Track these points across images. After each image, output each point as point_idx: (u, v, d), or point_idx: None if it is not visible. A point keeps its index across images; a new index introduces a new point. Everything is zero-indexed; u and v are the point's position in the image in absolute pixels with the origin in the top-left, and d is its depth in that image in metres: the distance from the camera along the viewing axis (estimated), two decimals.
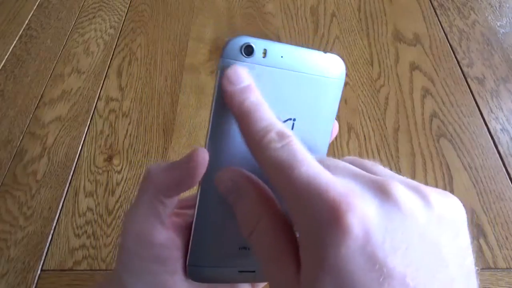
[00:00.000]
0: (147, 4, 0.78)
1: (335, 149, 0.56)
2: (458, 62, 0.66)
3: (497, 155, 0.55)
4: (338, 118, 0.66)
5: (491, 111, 0.60)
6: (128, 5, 0.78)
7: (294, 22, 0.74)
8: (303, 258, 0.15)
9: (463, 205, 0.16)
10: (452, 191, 0.52)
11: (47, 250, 0.48)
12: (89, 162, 0.56)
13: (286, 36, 0.71)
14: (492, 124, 0.58)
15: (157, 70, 0.67)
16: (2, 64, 0.69)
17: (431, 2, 0.76)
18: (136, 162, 0.55)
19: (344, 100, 0.62)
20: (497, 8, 0.75)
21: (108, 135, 0.59)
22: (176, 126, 0.59)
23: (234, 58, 0.18)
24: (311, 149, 0.17)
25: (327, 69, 0.20)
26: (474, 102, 0.61)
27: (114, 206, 0.51)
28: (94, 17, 0.77)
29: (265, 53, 0.19)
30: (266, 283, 0.25)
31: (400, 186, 0.15)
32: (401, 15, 0.74)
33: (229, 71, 0.18)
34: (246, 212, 0.18)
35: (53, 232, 0.49)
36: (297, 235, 0.17)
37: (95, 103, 0.63)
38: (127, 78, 0.66)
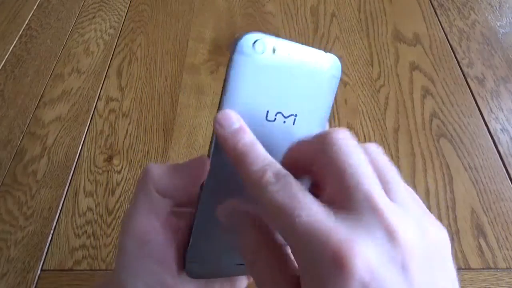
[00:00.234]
0: (147, 4, 0.78)
1: None
2: (458, 62, 0.66)
3: (497, 155, 0.55)
4: (338, 118, 0.66)
5: (491, 111, 0.60)
6: (128, 5, 0.78)
7: (294, 22, 0.74)
8: None
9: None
10: (452, 191, 0.52)
11: (47, 250, 0.48)
12: (89, 162, 0.56)
13: (286, 36, 0.71)
14: (492, 124, 0.58)
15: (157, 70, 0.67)
16: (2, 64, 0.69)
17: (431, 2, 0.76)
18: (136, 162, 0.55)
19: (344, 100, 0.62)
20: (497, 8, 0.75)
21: (108, 135, 0.59)
22: (176, 126, 0.59)
23: (246, 53, 0.19)
24: None
25: (327, 67, 0.20)
26: (474, 102, 0.61)
27: (114, 206, 0.51)
28: (94, 17, 0.77)
29: (274, 50, 0.19)
30: None
31: (408, 228, 0.15)
32: (401, 15, 0.74)
33: (219, 116, 0.19)
34: (245, 245, 0.19)
35: (53, 232, 0.49)
36: (299, 273, 0.17)
37: (95, 103, 0.63)
38: (127, 78, 0.66)
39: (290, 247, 0.16)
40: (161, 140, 0.58)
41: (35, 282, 0.46)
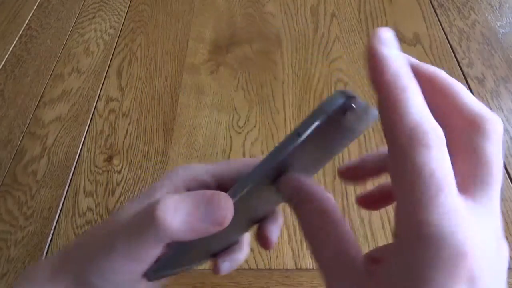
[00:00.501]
0: (147, 4, 0.78)
1: None
2: (458, 62, 0.66)
3: None
4: None
5: (491, 111, 0.60)
6: (128, 5, 0.78)
7: (294, 22, 0.74)
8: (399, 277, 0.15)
9: None
10: None
11: (47, 250, 0.48)
12: (89, 162, 0.56)
13: (286, 36, 0.71)
14: None
15: (157, 70, 0.67)
16: (2, 64, 0.69)
17: (431, 2, 0.76)
18: (136, 162, 0.55)
19: None
20: (497, 8, 0.75)
21: (108, 135, 0.59)
22: (176, 126, 0.59)
23: (335, 117, 0.17)
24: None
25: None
26: None
27: (114, 206, 0.51)
28: (94, 17, 0.77)
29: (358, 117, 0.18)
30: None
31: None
32: (401, 15, 0.74)
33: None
34: (307, 219, 0.18)
35: (53, 232, 0.49)
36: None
37: (95, 103, 0.63)
38: (127, 78, 0.66)
39: (407, 222, 0.15)
40: (161, 140, 0.58)
41: None
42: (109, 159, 0.56)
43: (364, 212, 0.49)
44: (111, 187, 0.53)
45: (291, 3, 0.77)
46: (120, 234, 0.21)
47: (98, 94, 0.64)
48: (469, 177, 0.16)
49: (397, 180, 0.15)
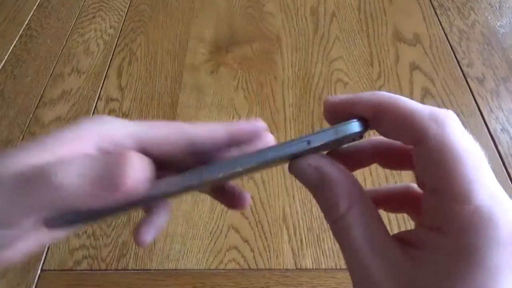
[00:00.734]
0: (147, 4, 0.78)
1: None
2: (458, 62, 0.66)
3: (497, 155, 0.55)
4: None
5: (491, 111, 0.60)
6: (128, 5, 0.78)
7: (294, 22, 0.74)
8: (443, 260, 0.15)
9: None
10: None
11: (47, 250, 0.48)
12: None
13: (286, 36, 0.71)
14: (492, 124, 0.58)
15: (157, 70, 0.67)
16: (2, 64, 0.69)
17: (431, 2, 0.76)
18: None
19: None
20: (497, 8, 0.74)
21: None
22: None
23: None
24: None
25: None
26: (474, 102, 0.61)
27: None
28: (94, 17, 0.77)
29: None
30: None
31: None
32: (401, 15, 0.74)
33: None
34: (335, 197, 0.17)
35: None
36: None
37: (95, 103, 0.63)
38: (127, 78, 0.66)
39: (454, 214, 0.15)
40: None
41: (35, 282, 0.46)
42: None
43: None
44: None
45: (291, 3, 0.77)
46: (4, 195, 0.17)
47: (98, 94, 0.64)
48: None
49: (435, 171, 0.16)
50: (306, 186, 0.19)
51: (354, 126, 0.18)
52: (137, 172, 0.16)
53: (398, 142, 0.19)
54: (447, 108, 0.62)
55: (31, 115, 0.62)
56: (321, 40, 0.70)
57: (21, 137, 0.59)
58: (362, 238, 0.16)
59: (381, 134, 0.19)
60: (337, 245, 0.17)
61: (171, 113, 0.61)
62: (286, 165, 0.19)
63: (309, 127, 0.59)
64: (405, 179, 0.51)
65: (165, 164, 0.21)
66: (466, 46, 0.68)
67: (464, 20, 0.73)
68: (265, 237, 0.48)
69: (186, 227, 0.49)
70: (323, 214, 0.18)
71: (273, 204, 0.51)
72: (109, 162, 0.17)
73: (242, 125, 0.21)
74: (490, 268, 0.14)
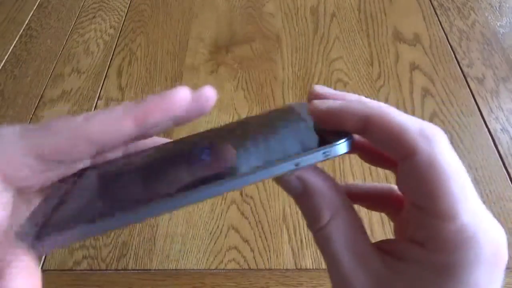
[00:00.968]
0: (147, 4, 0.78)
1: None
2: (458, 62, 0.66)
3: (497, 155, 0.55)
4: None
5: (491, 111, 0.60)
6: (128, 5, 0.78)
7: (294, 22, 0.74)
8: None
9: None
10: None
11: None
12: None
13: (286, 36, 0.71)
14: (492, 124, 0.58)
15: (157, 70, 0.67)
16: (2, 64, 0.69)
17: (431, 2, 0.76)
18: None
19: None
20: (497, 8, 0.74)
21: None
22: (176, 126, 0.59)
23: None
24: None
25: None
26: (474, 102, 0.61)
27: None
28: (94, 17, 0.77)
29: None
30: None
31: None
32: (401, 15, 0.74)
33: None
34: (318, 207, 0.17)
35: None
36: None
37: (95, 103, 0.63)
38: (127, 78, 0.66)
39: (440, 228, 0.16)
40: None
41: None
42: None
43: (365, 212, 0.49)
44: None
45: (291, 3, 0.77)
46: None
47: (98, 94, 0.64)
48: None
49: (421, 188, 0.16)
50: (289, 194, 0.19)
51: (343, 147, 0.18)
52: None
53: None
54: (447, 108, 0.62)
55: (31, 115, 0.62)
56: (321, 40, 0.70)
57: None
58: (343, 247, 0.17)
59: (368, 140, 0.18)
60: None
61: None
62: None
63: None
64: None
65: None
66: (466, 46, 0.68)
67: (464, 20, 0.73)
68: (265, 237, 0.48)
69: (186, 227, 0.49)
70: (306, 222, 0.18)
71: (273, 204, 0.51)
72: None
73: (153, 103, 0.17)
74: (472, 286, 0.15)
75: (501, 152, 0.55)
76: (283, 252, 0.47)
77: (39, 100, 0.64)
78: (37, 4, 0.80)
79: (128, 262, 0.47)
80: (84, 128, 0.17)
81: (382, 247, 0.18)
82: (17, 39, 0.73)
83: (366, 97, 0.20)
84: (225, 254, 0.47)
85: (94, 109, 0.62)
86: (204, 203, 0.51)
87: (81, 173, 0.19)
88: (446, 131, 0.58)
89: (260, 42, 0.70)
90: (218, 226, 0.49)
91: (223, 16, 0.75)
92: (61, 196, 0.18)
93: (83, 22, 0.76)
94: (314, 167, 0.18)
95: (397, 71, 0.65)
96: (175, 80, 0.65)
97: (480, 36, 0.70)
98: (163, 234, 0.49)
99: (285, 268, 0.46)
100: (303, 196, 0.18)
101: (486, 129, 0.58)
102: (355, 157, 0.51)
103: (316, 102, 0.19)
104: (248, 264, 0.46)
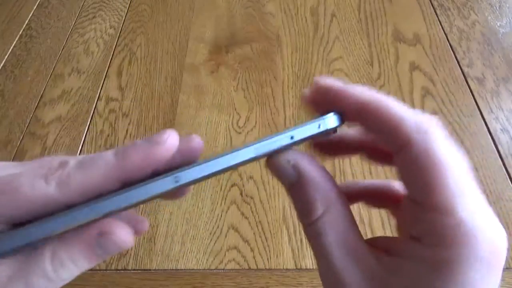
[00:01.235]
0: (147, 4, 0.78)
1: None
2: (458, 62, 0.66)
3: (497, 155, 0.55)
4: None
5: (491, 111, 0.60)
6: (128, 5, 0.78)
7: (294, 22, 0.74)
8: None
9: None
10: None
11: None
12: None
13: (286, 36, 0.71)
14: (492, 124, 0.58)
15: (157, 70, 0.67)
16: (2, 64, 0.69)
17: (431, 2, 0.76)
18: None
19: None
20: (497, 8, 0.74)
21: (108, 135, 0.59)
22: (176, 126, 0.59)
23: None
24: None
25: None
26: (474, 102, 0.61)
27: None
28: (94, 17, 0.77)
29: None
30: None
31: None
32: (401, 15, 0.74)
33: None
34: (312, 199, 0.17)
35: None
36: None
37: (95, 103, 0.63)
38: (127, 78, 0.66)
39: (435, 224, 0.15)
40: None
41: None
42: None
43: (364, 212, 0.49)
44: None
45: (291, 3, 0.77)
46: None
47: (98, 94, 0.64)
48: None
49: (419, 183, 0.16)
50: (282, 183, 0.18)
51: (334, 120, 0.18)
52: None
53: None
54: (447, 108, 0.62)
55: (31, 115, 0.62)
56: (321, 40, 0.70)
57: (21, 137, 0.59)
58: (335, 242, 0.16)
59: (362, 128, 0.18)
60: None
61: (171, 113, 0.61)
62: None
63: None
64: None
65: None
66: (466, 46, 0.68)
67: (464, 20, 0.73)
68: (265, 237, 0.48)
69: (186, 227, 0.49)
70: (296, 214, 0.18)
71: (273, 204, 0.51)
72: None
73: (138, 157, 0.17)
74: (467, 284, 0.14)
75: (501, 152, 0.55)
76: (283, 252, 0.47)
77: (39, 100, 0.64)
78: (37, 4, 0.80)
79: (128, 262, 0.47)
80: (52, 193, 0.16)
81: (376, 243, 0.17)
82: (17, 39, 0.73)
83: None
84: (225, 254, 0.47)
85: (94, 109, 0.62)
86: (204, 203, 0.51)
87: None
88: (446, 131, 0.58)
89: (260, 42, 0.70)
90: (218, 226, 0.49)
91: (223, 16, 0.75)
92: None
93: (83, 22, 0.76)
94: (311, 158, 0.18)
95: (397, 71, 0.65)
96: (175, 80, 0.65)
97: (480, 36, 0.70)
98: (163, 234, 0.49)
99: (285, 268, 0.46)
100: (297, 186, 0.18)
101: (486, 129, 0.58)
102: (355, 157, 0.51)
103: (320, 77, 0.19)
104: (248, 264, 0.46)
